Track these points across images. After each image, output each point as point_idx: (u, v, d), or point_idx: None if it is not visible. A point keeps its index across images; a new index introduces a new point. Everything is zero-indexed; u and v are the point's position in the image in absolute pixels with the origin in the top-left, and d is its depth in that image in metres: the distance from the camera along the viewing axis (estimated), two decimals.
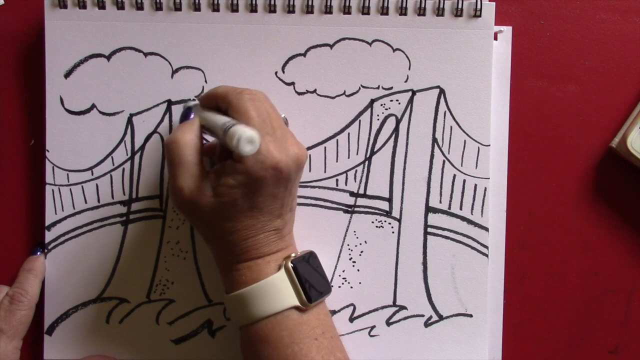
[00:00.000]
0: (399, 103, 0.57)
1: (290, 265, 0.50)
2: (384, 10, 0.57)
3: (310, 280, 0.50)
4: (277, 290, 0.49)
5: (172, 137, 0.49)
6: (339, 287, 0.57)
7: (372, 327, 0.58)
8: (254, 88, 0.56)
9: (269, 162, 0.47)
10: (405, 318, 0.58)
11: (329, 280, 0.57)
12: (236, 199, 0.48)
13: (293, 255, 0.51)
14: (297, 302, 0.49)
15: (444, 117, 0.57)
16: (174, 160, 0.49)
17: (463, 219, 0.57)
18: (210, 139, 0.56)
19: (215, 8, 0.57)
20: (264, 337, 0.49)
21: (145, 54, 0.57)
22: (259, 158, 0.47)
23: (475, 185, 0.57)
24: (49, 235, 0.57)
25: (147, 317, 0.58)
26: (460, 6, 0.56)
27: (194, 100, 0.55)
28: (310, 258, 0.52)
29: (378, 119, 0.57)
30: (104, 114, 0.57)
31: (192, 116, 0.52)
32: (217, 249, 0.51)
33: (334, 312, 0.57)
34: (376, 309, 0.58)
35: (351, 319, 0.58)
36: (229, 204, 0.48)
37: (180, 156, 0.49)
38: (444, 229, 0.57)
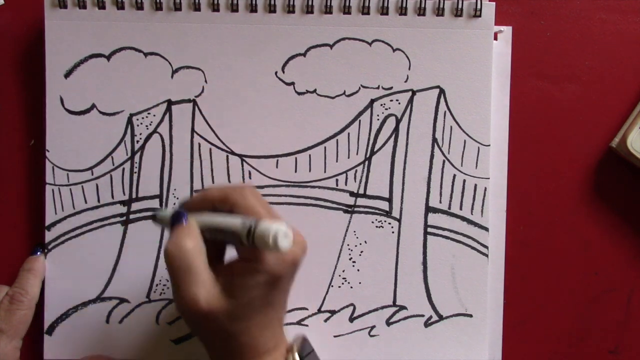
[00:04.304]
0: (399, 103, 0.57)
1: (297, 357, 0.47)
2: (384, 10, 0.57)
3: None
4: None
5: (175, 243, 0.45)
6: (339, 287, 0.57)
7: (372, 327, 0.58)
8: (254, 88, 0.57)
9: (289, 258, 0.45)
10: (405, 318, 0.58)
11: (330, 281, 0.57)
12: (253, 298, 0.45)
13: (294, 346, 0.48)
14: None
15: (444, 117, 0.57)
16: (181, 268, 0.45)
17: (463, 219, 0.57)
18: None
19: (215, 8, 0.57)
20: None
21: (145, 54, 0.57)
22: (279, 255, 0.45)
23: (475, 185, 0.57)
24: (49, 235, 0.57)
25: (147, 317, 0.58)
26: (460, 6, 0.56)
27: (175, 207, 0.52)
28: (307, 343, 0.50)
29: (378, 119, 0.57)
30: (104, 114, 0.57)
31: (184, 218, 0.47)
32: (222, 351, 0.47)
33: (333, 312, 0.57)
34: (376, 309, 0.58)
35: (351, 319, 0.58)
36: (246, 305, 0.45)
37: (190, 263, 0.45)
38: (444, 229, 0.57)
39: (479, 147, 0.57)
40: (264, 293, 0.45)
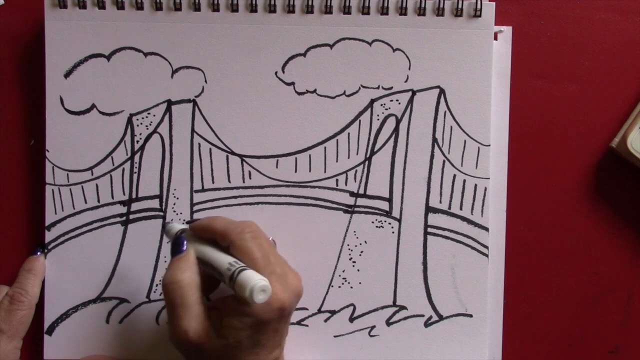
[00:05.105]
0: (399, 103, 0.57)
1: None
2: (384, 10, 0.57)
3: None
4: None
5: (171, 276, 0.47)
6: (339, 287, 0.57)
7: (372, 327, 0.58)
8: (254, 88, 0.57)
9: (276, 304, 0.46)
10: (405, 318, 0.58)
11: (330, 281, 0.57)
12: (241, 340, 0.47)
13: None
14: None
15: (444, 117, 0.57)
16: (175, 302, 0.47)
17: (463, 219, 0.57)
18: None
19: (215, 8, 0.57)
20: None
21: (145, 54, 0.57)
22: (266, 301, 0.46)
23: (475, 185, 0.57)
24: (49, 235, 0.57)
25: (147, 317, 0.58)
26: (460, 6, 0.56)
27: (183, 224, 0.52)
28: None
29: (378, 119, 0.57)
30: (104, 114, 0.57)
31: (184, 247, 0.49)
32: None
33: (333, 312, 0.57)
34: (376, 309, 0.58)
35: (351, 319, 0.58)
36: (233, 345, 0.47)
37: (183, 297, 0.47)
38: (444, 229, 0.57)
39: (479, 147, 0.57)
40: (251, 334, 0.47)
